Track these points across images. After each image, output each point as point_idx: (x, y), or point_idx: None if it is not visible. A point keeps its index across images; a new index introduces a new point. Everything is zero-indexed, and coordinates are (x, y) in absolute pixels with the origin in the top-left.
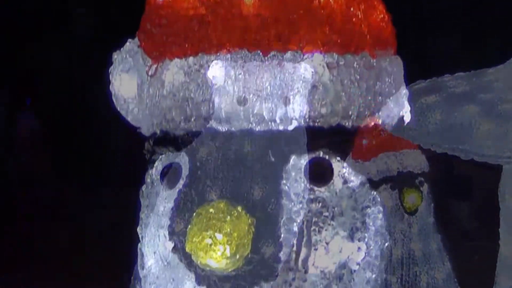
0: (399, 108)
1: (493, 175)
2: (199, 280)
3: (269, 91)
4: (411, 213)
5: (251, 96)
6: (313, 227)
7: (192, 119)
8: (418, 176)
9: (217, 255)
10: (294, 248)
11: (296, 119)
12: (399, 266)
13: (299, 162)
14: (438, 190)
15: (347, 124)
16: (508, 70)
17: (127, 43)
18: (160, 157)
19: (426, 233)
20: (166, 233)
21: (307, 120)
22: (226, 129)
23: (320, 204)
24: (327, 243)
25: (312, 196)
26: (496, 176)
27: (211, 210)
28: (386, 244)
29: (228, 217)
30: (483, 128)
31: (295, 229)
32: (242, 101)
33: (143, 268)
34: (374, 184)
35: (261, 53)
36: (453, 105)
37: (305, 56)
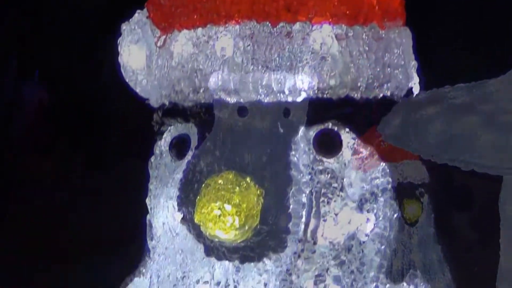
0: (408, 79)
1: (494, 186)
2: (207, 251)
3: (278, 62)
4: (411, 224)
5: (259, 67)
6: (322, 198)
7: (201, 91)
8: (418, 187)
9: (226, 226)
10: (303, 219)
11: (305, 90)
12: (399, 277)
13: (307, 134)
14: (439, 201)
15: (355, 95)
16: (509, 80)
17: (136, 14)
18: (169, 128)
19: (426, 244)
20: (175, 204)
21: (316, 91)
22: (235, 100)
23: (329, 175)
24: (336, 214)
25: (321, 167)
26: (496, 187)
27: (220, 181)
28: (395, 215)
29: (237, 188)
30: (483, 139)
31: (304, 200)
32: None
33: (151, 239)
34: None
35: (269, 24)
36: (453, 116)
37: (314, 27)
